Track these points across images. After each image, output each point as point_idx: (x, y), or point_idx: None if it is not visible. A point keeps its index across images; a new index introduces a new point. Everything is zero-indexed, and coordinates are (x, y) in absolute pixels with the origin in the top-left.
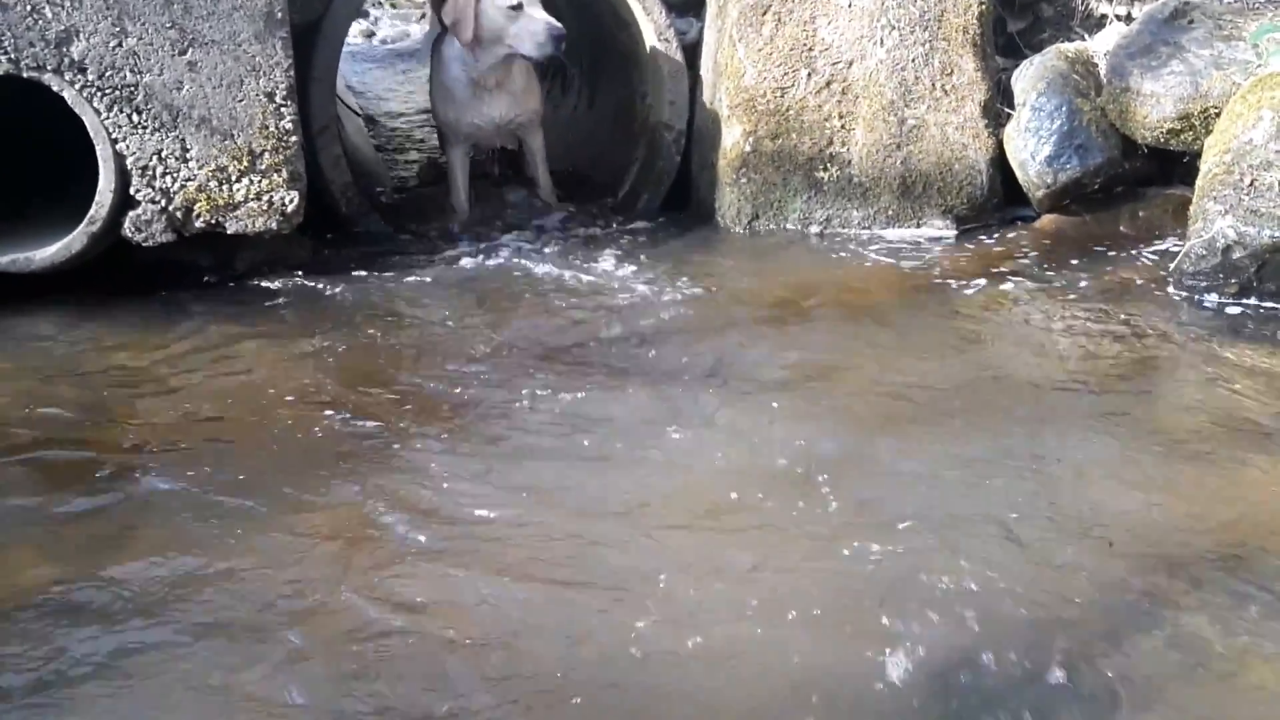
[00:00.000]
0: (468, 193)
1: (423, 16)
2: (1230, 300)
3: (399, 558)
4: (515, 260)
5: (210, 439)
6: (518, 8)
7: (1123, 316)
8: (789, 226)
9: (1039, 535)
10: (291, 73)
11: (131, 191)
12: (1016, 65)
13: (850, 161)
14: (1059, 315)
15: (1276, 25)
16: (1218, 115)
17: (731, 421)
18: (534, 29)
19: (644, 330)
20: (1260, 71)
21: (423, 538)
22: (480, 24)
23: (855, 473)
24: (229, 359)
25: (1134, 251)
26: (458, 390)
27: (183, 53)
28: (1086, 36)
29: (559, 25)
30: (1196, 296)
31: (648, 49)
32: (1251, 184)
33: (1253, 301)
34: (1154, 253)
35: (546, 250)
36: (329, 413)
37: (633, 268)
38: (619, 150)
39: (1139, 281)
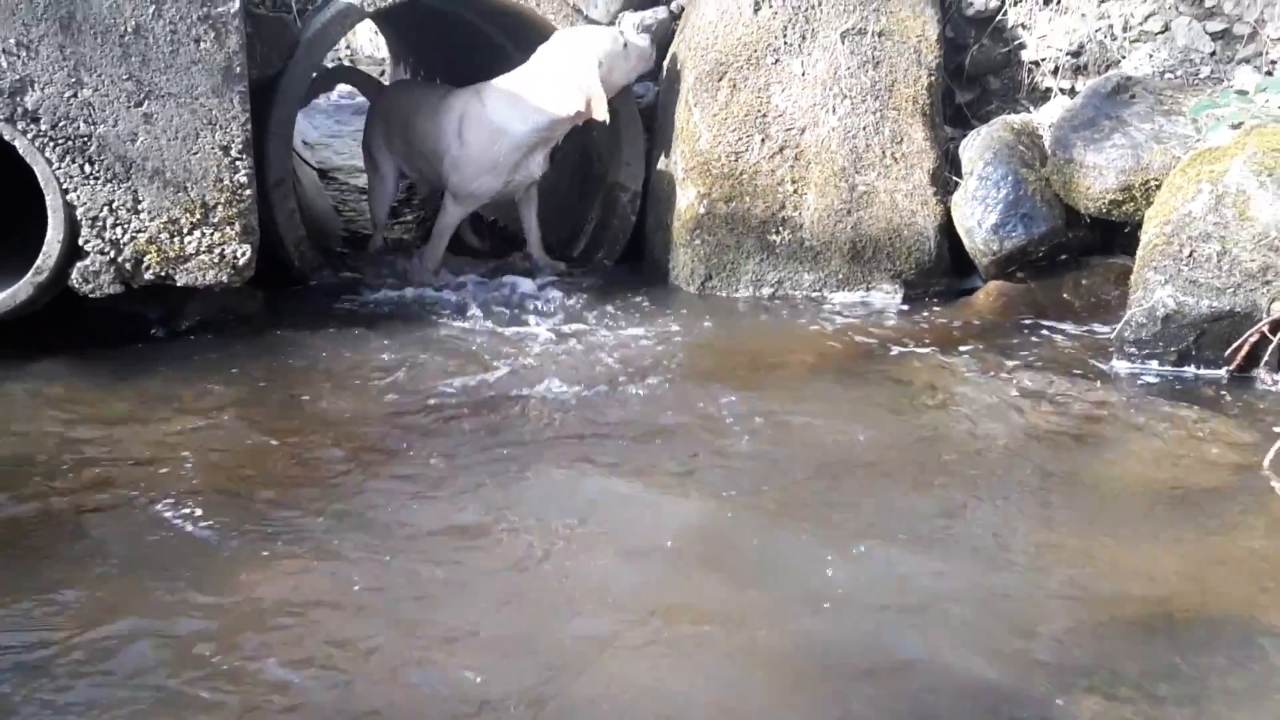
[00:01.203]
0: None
1: (383, 72)
2: (1170, 368)
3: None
4: (463, 320)
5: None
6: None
7: (1066, 384)
8: (741, 288)
9: (970, 611)
10: (248, 127)
11: (80, 242)
12: (965, 135)
13: (802, 225)
14: (1004, 383)
15: (1215, 102)
16: (1158, 187)
17: (662, 487)
18: (646, 52)
19: (587, 393)
20: (1199, 146)
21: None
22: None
23: (784, 540)
24: (149, 419)
25: (1077, 319)
26: (364, 463)
27: (139, 104)
28: (1032, 108)
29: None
30: (1138, 364)
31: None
32: (1190, 255)
33: (1192, 370)
34: (1097, 321)
35: (506, 310)
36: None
37: (584, 326)
38: (575, 207)
39: (1082, 349)
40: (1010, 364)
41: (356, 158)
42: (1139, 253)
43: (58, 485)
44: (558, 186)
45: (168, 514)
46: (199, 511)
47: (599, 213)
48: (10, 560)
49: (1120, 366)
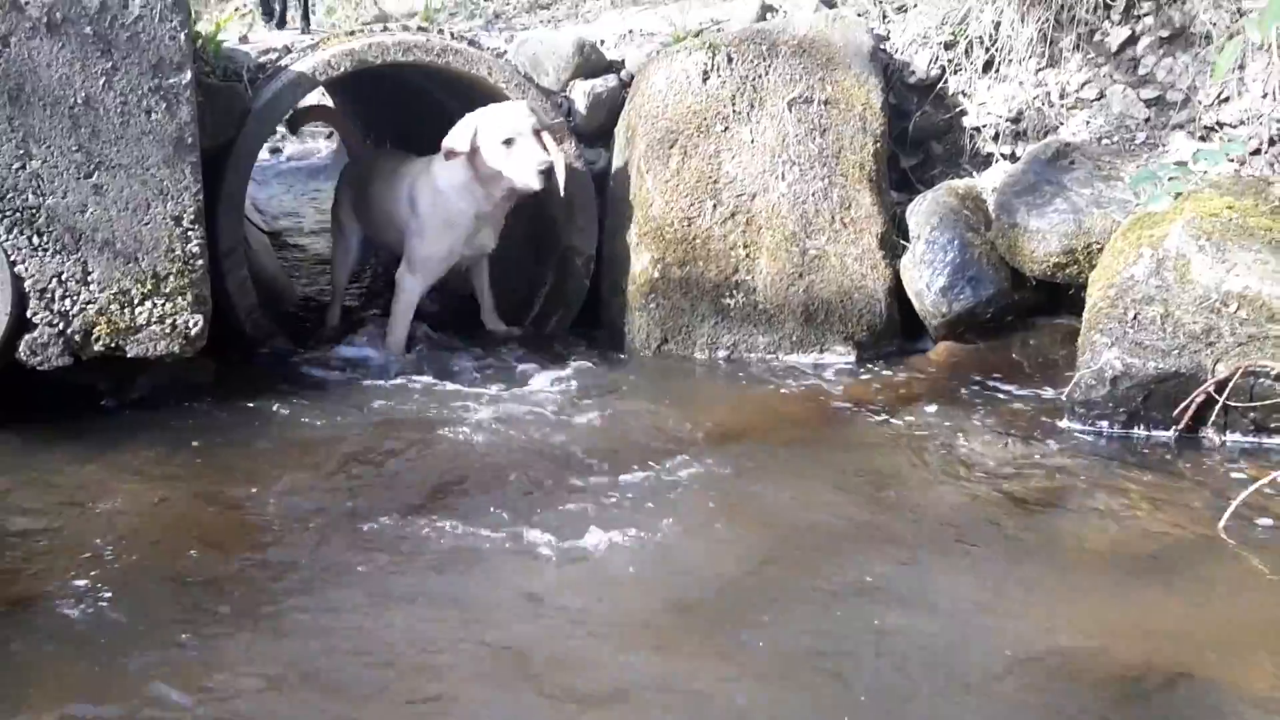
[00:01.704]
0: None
1: (330, 135)
2: (1120, 428)
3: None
4: (421, 387)
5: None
6: (510, 141)
7: (1020, 446)
8: (697, 350)
9: (933, 674)
10: (200, 197)
11: (29, 314)
12: (910, 199)
13: (755, 289)
14: (957, 447)
15: (1155, 174)
16: (1100, 250)
17: (621, 558)
18: (525, 162)
19: (539, 461)
20: (1138, 210)
21: None
22: (480, 158)
23: (747, 607)
24: (87, 496)
25: (1027, 379)
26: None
27: (89, 176)
28: (975, 173)
29: (545, 158)
30: (1088, 425)
31: (557, 175)
32: (1135, 318)
33: (1141, 430)
34: (1046, 380)
35: (463, 377)
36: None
37: (546, 391)
38: (528, 271)
39: (1034, 410)
40: (964, 426)
41: (308, 222)
42: (1085, 315)
43: None
44: (510, 251)
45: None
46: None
47: (553, 277)
48: None
49: (1071, 427)
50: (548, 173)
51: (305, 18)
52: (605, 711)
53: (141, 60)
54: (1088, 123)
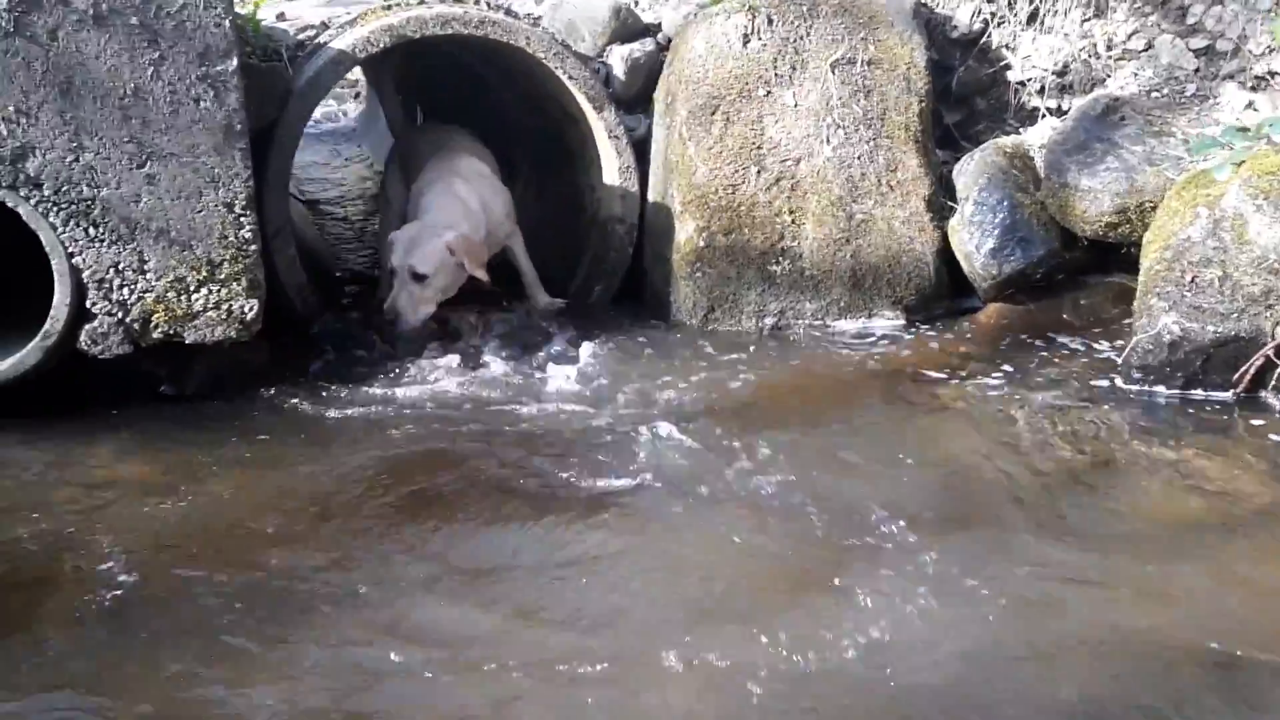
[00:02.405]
0: None
1: (357, 95)
2: (1177, 392)
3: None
4: (470, 367)
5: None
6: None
7: (1074, 411)
8: (744, 320)
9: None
10: (251, 183)
11: (88, 304)
12: (954, 157)
13: (801, 255)
14: (1013, 412)
15: (1215, 140)
16: (1154, 209)
17: (685, 542)
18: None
19: (599, 440)
20: (1192, 168)
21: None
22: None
23: (816, 595)
24: (174, 487)
25: (1079, 340)
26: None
27: (141, 166)
28: (1021, 129)
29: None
30: (1144, 389)
31: (597, 144)
32: (1193, 281)
33: (1199, 394)
34: (1098, 340)
35: (507, 354)
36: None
37: (594, 367)
38: (568, 241)
39: (1087, 373)
40: (1018, 391)
41: (339, 189)
42: (1140, 278)
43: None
44: (548, 220)
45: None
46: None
47: (595, 246)
48: None
49: (1128, 390)
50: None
51: None
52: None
53: (188, 49)
54: (1135, 75)
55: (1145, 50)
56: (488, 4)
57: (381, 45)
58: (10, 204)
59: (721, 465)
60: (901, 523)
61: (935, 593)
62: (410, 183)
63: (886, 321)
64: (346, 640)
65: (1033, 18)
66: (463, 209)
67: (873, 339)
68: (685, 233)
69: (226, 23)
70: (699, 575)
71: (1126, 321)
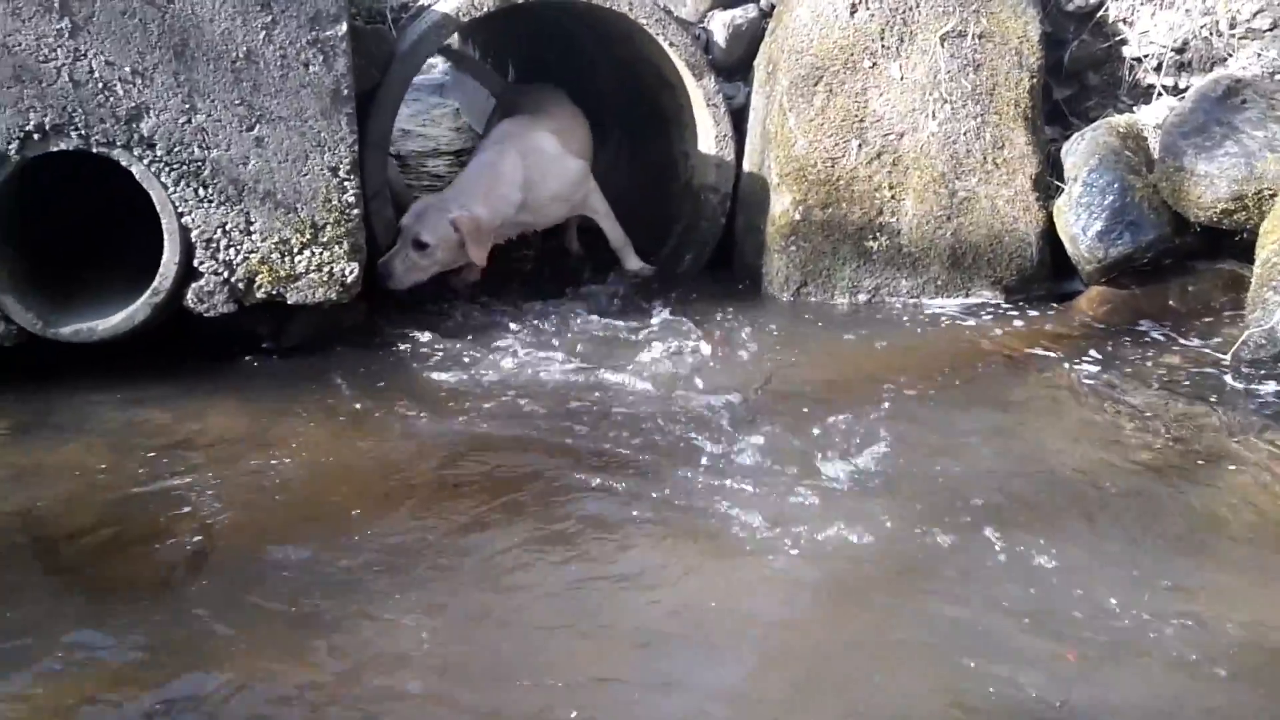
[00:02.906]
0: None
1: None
2: None
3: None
4: (562, 330)
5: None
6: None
7: (1181, 405)
8: (837, 295)
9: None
10: (356, 148)
11: (195, 263)
12: (1063, 133)
13: (900, 231)
14: (1115, 401)
15: None
16: (1273, 197)
17: (777, 522)
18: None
19: (691, 415)
20: None
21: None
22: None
23: (910, 586)
24: (288, 441)
25: (1185, 328)
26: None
27: (250, 128)
28: (1135, 107)
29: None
30: (1254, 385)
31: (694, 111)
32: None
33: None
34: (1206, 330)
35: (594, 315)
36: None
37: (687, 342)
38: (658, 208)
39: (1195, 364)
40: (1121, 381)
41: (429, 143)
42: (1256, 270)
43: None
44: (637, 186)
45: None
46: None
47: (687, 214)
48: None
49: (1237, 385)
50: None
51: None
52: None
53: (299, 13)
54: (1259, 55)
55: (1270, 30)
56: None
57: (486, 9)
58: (124, 163)
59: (810, 447)
60: (994, 521)
61: (1022, 598)
62: None
63: (984, 301)
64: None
65: None
66: (489, 187)
67: (970, 319)
68: (781, 205)
69: None
70: (790, 559)
71: (1235, 312)
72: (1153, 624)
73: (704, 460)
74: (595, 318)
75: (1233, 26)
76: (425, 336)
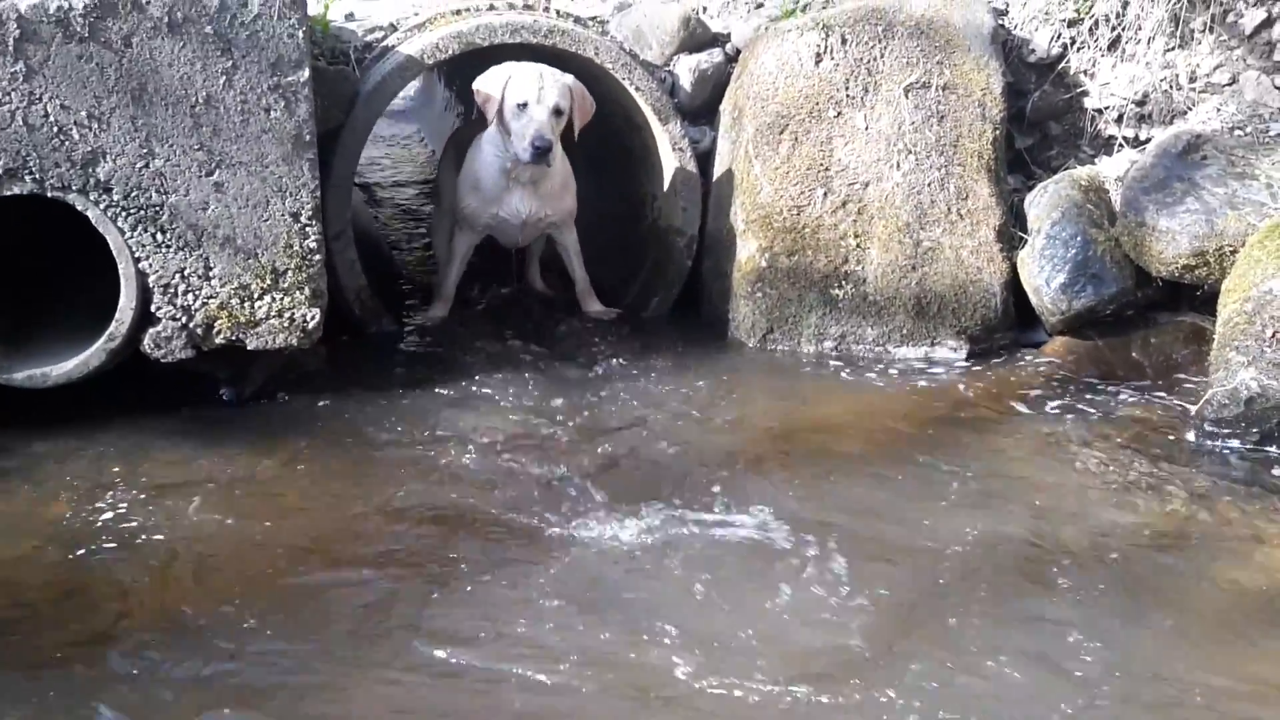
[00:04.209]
0: (457, 282)
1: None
2: (1251, 448)
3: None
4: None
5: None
6: (524, 106)
7: (1145, 466)
8: (804, 342)
9: None
10: (318, 193)
11: (152, 309)
12: (1025, 181)
13: (865, 280)
14: (1080, 462)
15: None
16: (1233, 254)
17: (728, 600)
18: (525, 131)
19: (643, 466)
20: (1275, 215)
21: None
22: (503, 113)
23: (877, 670)
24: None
25: (1149, 382)
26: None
27: (210, 173)
28: (1096, 157)
29: (545, 135)
30: (1218, 444)
31: (661, 155)
32: (1274, 336)
33: (1275, 451)
34: (1169, 384)
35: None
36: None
37: (650, 386)
38: (623, 249)
39: (1156, 420)
40: (1084, 436)
41: (393, 173)
42: (1218, 329)
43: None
44: (603, 226)
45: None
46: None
47: (654, 256)
48: None
49: (1200, 444)
50: (543, 152)
51: None
52: None
53: (260, 59)
54: (1219, 109)
55: (1229, 85)
56: (555, 11)
57: (450, 52)
58: (80, 207)
59: (771, 499)
60: (956, 579)
61: (991, 670)
62: None
63: (949, 351)
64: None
65: (1114, 44)
66: None
67: (934, 369)
68: (747, 251)
69: (300, 33)
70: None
71: (1196, 366)
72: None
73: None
74: (556, 365)
75: (1193, 80)
76: (384, 386)
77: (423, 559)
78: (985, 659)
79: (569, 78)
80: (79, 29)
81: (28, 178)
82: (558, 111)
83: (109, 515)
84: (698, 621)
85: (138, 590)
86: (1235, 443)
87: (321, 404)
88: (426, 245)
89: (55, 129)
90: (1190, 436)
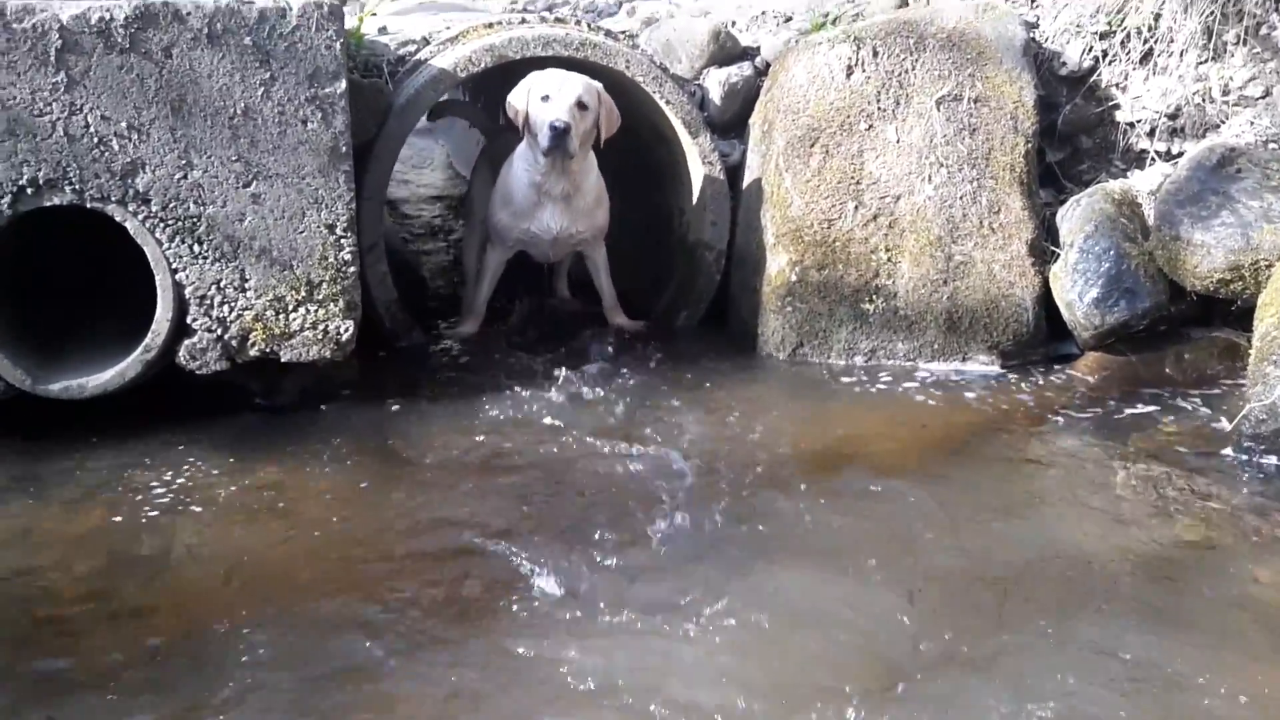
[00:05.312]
0: (488, 297)
1: None
2: None
3: None
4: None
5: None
6: (546, 98)
7: (1182, 481)
8: (834, 356)
9: None
10: (353, 205)
11: (188, 320)
12: (1056, 195)
13: (896, 294)
14: (1116, 477)
15: None
16: (1269, 268)
17: (768, 612)
18: (545, 117)
19: (675, 489)
20: None
21: None
22: (530, 124)
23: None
24: (278, 505)
25: (1182, 398)
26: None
27: (247, 185)
28: (1128, 171)
29: (563, 118)
30: (1256, 459)
31: (689, 168)
32: None
33: None
34: (1203, 399)
35: (597, 386)
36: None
37: (678, 401)
38: (649, 262)
39: (1191, 436)
40: (1119, 453)
41: (416, 189)
42: (1255, 343)
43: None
44: (627, 239)
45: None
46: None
47: (682, 270)
48: None
49: (1237, 458)
50: (560, 134)
51: None
52: None
53: (298, 70)
54: (1252, 123)
55: (1262, 98)
56: (587, 24)
57: (483, 65)
58: (119, 218)
59: (797, 517)
60: (994, 597)
61: (1031, 689)
62: None
63: (981, 366)
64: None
65: (1145, 58)
66: None
67: (966, 384)
68: (777, 265)
69: (337, 45)
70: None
71: (1231, 381)
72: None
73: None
74: (581, 377)
75: (1225, 93)
76: (416, 399)
77: (442, 578)
78: (1025, 678)
79: (594, 81)
80: (120, 40)
81: (67, 188)
82: (581, 105)
83: (141, 525)
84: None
85: (167, 600)
86: (1273, 458)
87: (350, 417)
88: (451, 259)
89: (95, 139)
90: (1227, 452)
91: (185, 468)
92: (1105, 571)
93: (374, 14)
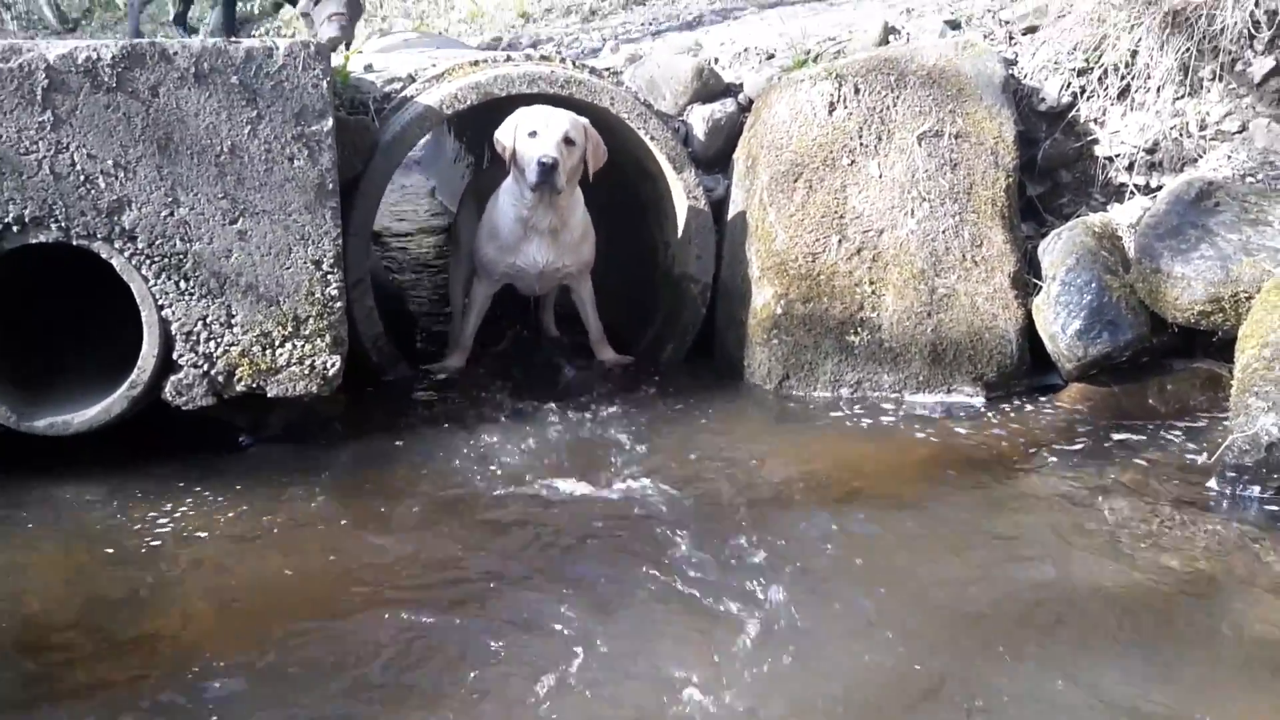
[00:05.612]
0: (475, 331)
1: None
2: (1274, 494)
3: None
4: (541, 429)
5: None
6: (533, 134)
7: (1166, 512)
8: (820, 389)
9: None
10: (340, 241)
11: (174, 356)
12: (1037, 229)
13: (881, 327)
14: (1098, 510)
15: None
16: (1249, 299)
17: (754, 649)
18: (532, 153)
19: (660, 519)
20: None
21: None
22: (517, 159)
23: None
24: (263, 539)
25: (1166, 429)
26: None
27: (233, 222)
28: (1107, 204)
29: (550, 154)
30: (1239, 490)
31: (674, 202)
32: None
33: None
34: (1186, 431)
35: (585, 419)
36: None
37: (665, 435)
38: (635, 296)
39: (1175, 468)
40: (1103, 484)
41: (411, 221)
42: (1236, 375)
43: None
44: (613, 274)
45: None
46: None
47: (668, 304)
48: None
49: (1221, 490)
50: (548, 169)
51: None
52: None
53: (285, 109)
54: (1229, 157)
55: (1239, 132)
56: (571, 62)
57: (468, 102)
58: (105, 255)
59: (787, 547)
60: (979, 630)
61: None
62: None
63: (966, 398)
64: None
65: (1123, 93)
66: None
67: (951, 415)
68: (762, 298)
69: (324, 84)
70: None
71: (1212, 412)
72: None
73: (675, 567)
74: (568, 411)
75: (1202, 128)
76: (403, 433)
77: (428, 613)
78: (1012, 711)
79: (580, 116)
80: (107, 79)
81: (54, 225)
82: (568, 141)
83: (130, 561)
84: (719, 672)
85: (159, 634)
86: (1256, 489)
87: (338, 452)
88: (437, 292)
89: (82, 177)
90: (1210, 483)
91: (172, 502)
92: (1091, 604)
93: (360, 52)
